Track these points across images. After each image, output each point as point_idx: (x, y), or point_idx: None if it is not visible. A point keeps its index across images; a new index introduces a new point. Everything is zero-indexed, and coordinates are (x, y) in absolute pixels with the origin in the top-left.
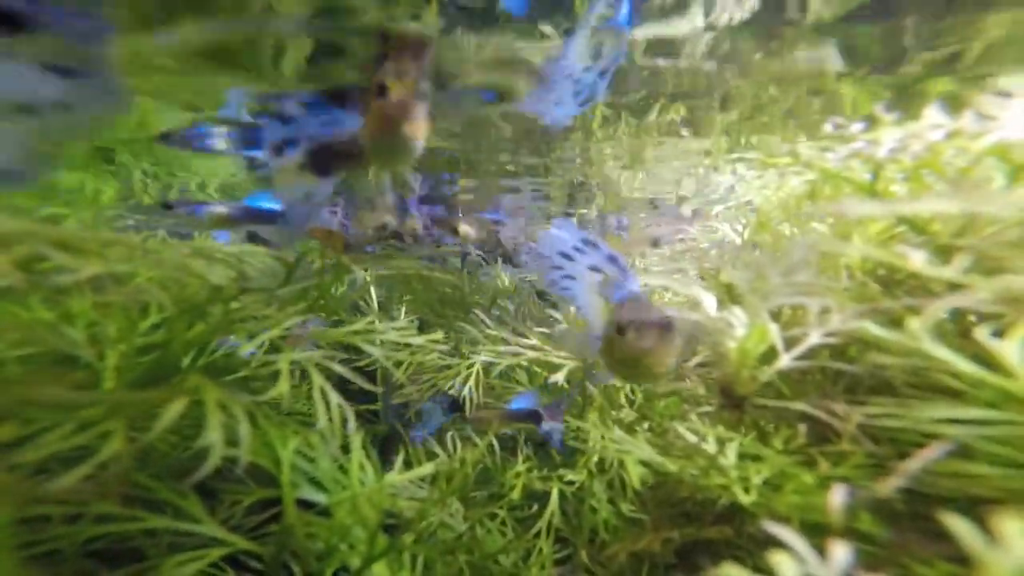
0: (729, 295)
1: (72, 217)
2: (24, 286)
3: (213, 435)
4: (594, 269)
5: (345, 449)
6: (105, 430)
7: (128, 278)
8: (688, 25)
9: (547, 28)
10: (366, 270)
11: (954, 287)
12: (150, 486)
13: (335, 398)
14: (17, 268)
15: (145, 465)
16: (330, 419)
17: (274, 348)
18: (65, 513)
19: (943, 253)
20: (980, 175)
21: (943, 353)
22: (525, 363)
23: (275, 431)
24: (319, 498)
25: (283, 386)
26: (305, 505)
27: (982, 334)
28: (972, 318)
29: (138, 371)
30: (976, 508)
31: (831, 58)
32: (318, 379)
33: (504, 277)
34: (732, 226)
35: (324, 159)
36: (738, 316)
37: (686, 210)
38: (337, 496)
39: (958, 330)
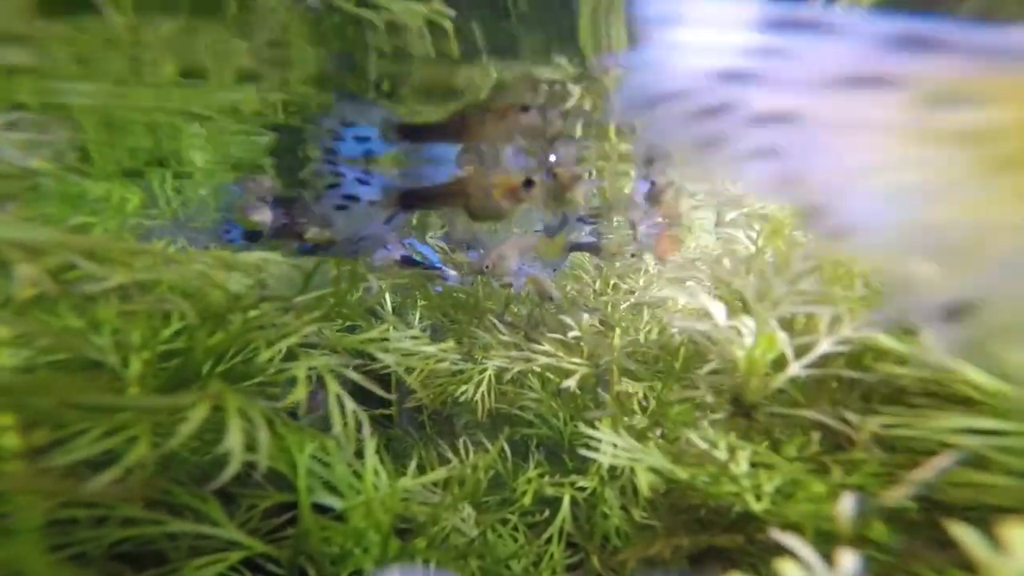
0: (742, 303)
1: (99, 226)
2: (55, 294)
3: (234, 440)
4: None
5: (359, 454)
6: (131, 435)
7: (152, 286)
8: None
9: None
10: (381, 277)
11: None
12: (171, 490)
13: (350, 404)
14: (49, 277)
15: (166, 469)
16: (345, 424)
17: (291, 355)
18: (91, 516)
19: None
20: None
21: (956, 364)
22: (537, 368)
23: (292, 437)
24: (334, 502)
25: (300, 392)
26: (320, 509)
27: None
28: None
29: (161, 378)
30: (993, 517)
31: None
32: (334, 386)
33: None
34: (745, 233)
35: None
36: (747, 324)
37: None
38: (352, 501)
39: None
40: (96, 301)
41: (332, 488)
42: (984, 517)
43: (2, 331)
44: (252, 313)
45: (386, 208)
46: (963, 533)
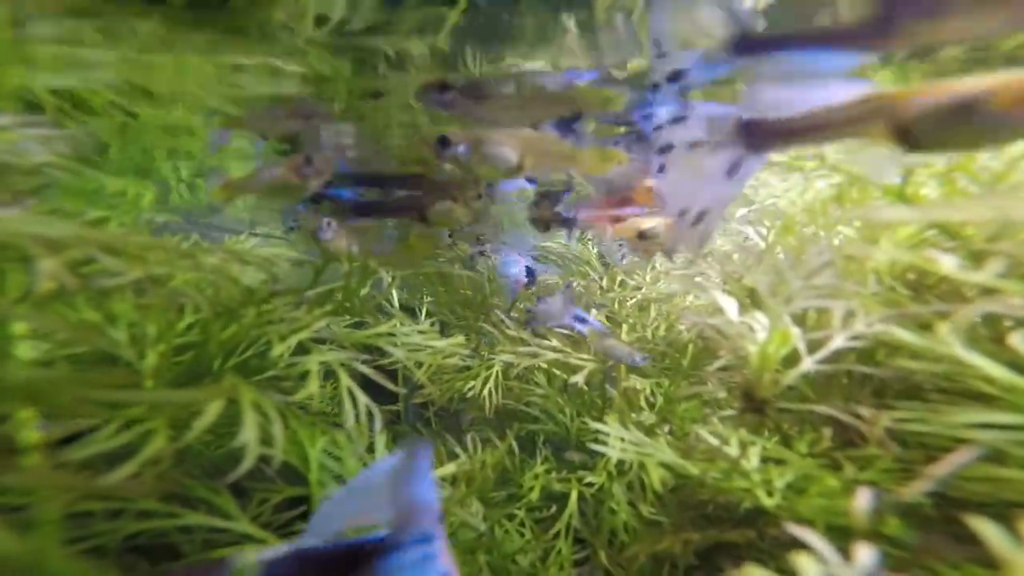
0: (752, 299)
1: (114, 221)
2: (74, 288)
3: (249, 434)
4: None
5: (370, 449)
6: (148, 429)
7: (166, 280)
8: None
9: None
10: (389, 271)
11: (987, 292)
12: (186, 483)
13: (363, 398)
14: (68, 271)
15: (180, 463)
16: (357, 419)
17: (302, 349)
18: (107, 509)
19: (977, 258)
20: (1016, 179)
21: (974, 358)
22: (544, 365)
23: (304, 431)
24: None
25: (312, 386)
26: None
27: (1016, 339)
28: (1007, 323)
29: (175, 371)
30: (1010, 513)
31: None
32: (345, 380)
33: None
34: (756, 229)
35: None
36: (759, 320)
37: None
38: None
39: (991, 335)
40: (112, 295)
41: (344, 482)
42: (1001, 512)
43: (22, 325)
44: (265, 307)
45: (723, 146)
46: (984, 528)
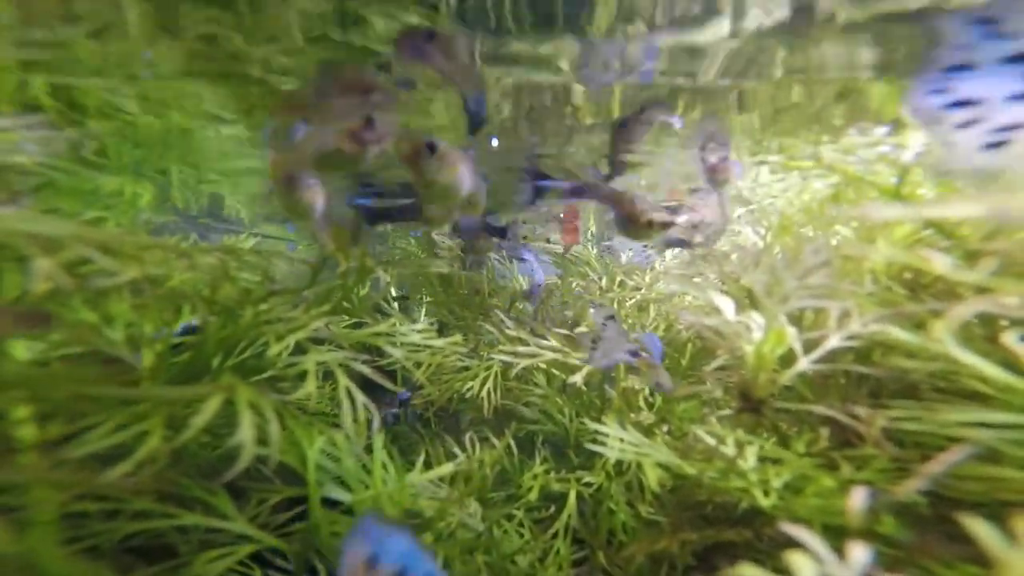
0: (749, 299)
1: (112, 220)
2: (70, 288)
3: (246, 434)
4: None
5: (368, 449)
6: (143, 429)
7: (163, 280)
8: (713, 33)
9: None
10: (387, 271)
11: (982, 291)
12: (183, 484)
13: (361, 398)
14: (64, 271)
15: (177, 463)
16: (355, 419)
17: (299, 349)
18: (103, 509)
19: (972, 258)
20: (1012, 179)
21: (969, 357)
22: (543, 365)
23: (302, 431)
24: (343, 497)
25: (310, 386)
26: (330, 503)
27: (1010, 338)
28: (1002, 322)
29: (172, 371)
30: (1005, 512)
31: (860, 59)
32: (344, 380)
33: (521, 279)
34: (754, 229)
35: None
36: (756, 320)
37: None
38: (360, 495)
39: (986, 334)
40: (109, 295)
41: (342, 482)
42: (996, 512)
43: None
44: (262, 307)
45: None
46: (978, 526)
